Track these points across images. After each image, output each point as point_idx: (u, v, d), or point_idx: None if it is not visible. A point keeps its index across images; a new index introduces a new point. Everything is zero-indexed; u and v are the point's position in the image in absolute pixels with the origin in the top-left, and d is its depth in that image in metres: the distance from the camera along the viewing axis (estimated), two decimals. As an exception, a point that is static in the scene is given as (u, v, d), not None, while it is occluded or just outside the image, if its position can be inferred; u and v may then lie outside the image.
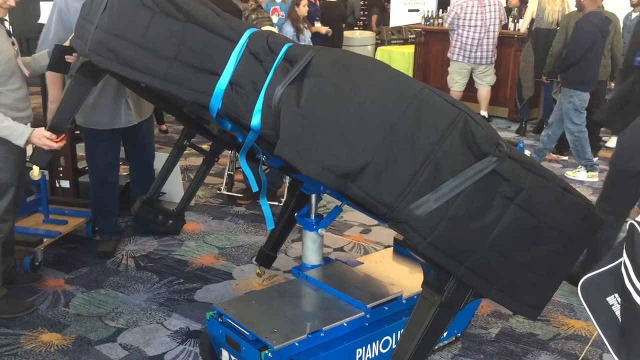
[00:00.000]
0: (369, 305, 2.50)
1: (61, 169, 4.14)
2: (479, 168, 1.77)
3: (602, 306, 1.55)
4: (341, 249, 4.03)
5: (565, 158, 6.36)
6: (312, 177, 1.84)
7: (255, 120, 1.90)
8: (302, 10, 6.31)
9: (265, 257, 3.07)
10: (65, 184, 4.18)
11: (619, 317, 1.51)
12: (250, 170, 2.16)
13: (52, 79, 3.42)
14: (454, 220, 1.78)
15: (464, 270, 1.85)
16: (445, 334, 2.77)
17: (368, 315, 2.50)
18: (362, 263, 2.95)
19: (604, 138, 6.89)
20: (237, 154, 4.91)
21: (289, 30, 6.22)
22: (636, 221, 1.49)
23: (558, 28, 6.57)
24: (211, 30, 1.98)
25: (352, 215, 4.39)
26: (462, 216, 1.78)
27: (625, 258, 1.46)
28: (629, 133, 1.60)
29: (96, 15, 2.09)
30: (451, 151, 1.77)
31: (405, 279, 2.77)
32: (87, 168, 3.92)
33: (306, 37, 6.29)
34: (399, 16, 9.52)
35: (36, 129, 2.69)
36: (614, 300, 1.51)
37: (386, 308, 2.56)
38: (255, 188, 2.23)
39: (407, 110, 1.77)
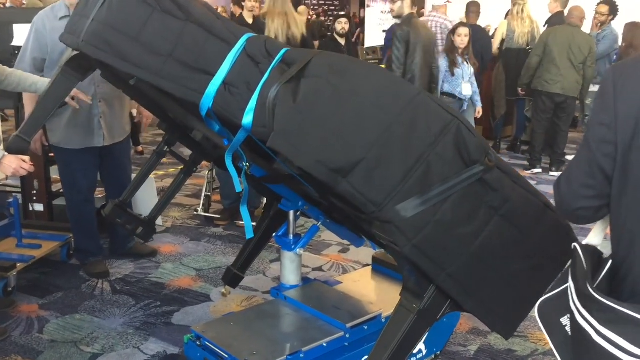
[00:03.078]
0: (348, 325, 2.50)
1: (35, 192, 4.08)
2: (468, 174, 1.81)
3: (557, 326, 1.59)
4: (320, 269, 4.02)
5: (539, 170, 6.48)
6: (305, 170, 1.85)
7: (248, 118, 1.91)
8: (457, 40, 5.70)
9: (233, 277, 3.03)
10: (39, 207, 4.12)
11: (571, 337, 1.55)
12: (235, 171, 2.15)
13: (29, 98, 3.40)
14: (440, 224, 1.79)
15: (445, 277, 1.86)
16: (425, 352, 2.78)
17: (348, 335, 2.50)
18: (341, 282, 2.95)
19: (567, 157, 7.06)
20: (214, 174, 4.94)
21: (442, 64, 5.71)
22: (579, 244, 1.53)
23: (528, 47, 6.76)
24: (209, 31, 2.00)
25: (330, 235, 4.38)
26: (449, 221, 1.80)
27: (570, 280, 1.50)
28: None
29: (92, 10, 2.09)
30: (443, 155, 1.80)
31: (384, 297, 2.78)
32: (62, 191, 3.88)
33: (465, 73, 5.70)
34: (373, 36, 9.65)
35: (7, 154, 2.64)
36: (567, 321, 1.54)
37: (366, 327, 2.55)
38: (238, 188, 2.22)
39: (403, 112, 1.80)
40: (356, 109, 1.81)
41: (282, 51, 1.96)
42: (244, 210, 2.26)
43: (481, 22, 8.92)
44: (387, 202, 1.78)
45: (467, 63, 5.77)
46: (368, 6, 10.35)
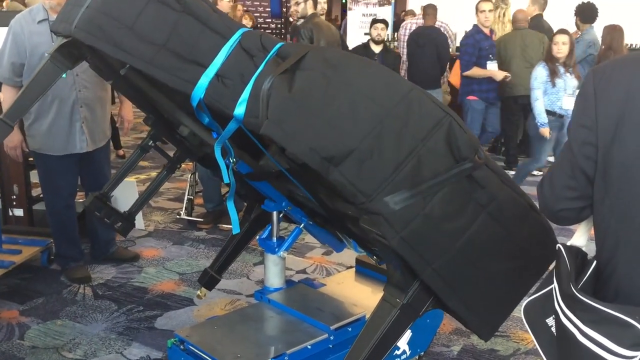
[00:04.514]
0: (332, 327, 2.50)
1: (14, 197, 4.04)
2: (457, 170, 1.83)
3: (543, 327, 1.61)
4: (303, 271, 4.02)
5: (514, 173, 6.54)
6: (297, 156, 1.86)
7: (240, 109, 1.91)
8: (554, 48, 5.20)
9: (209, 279, 3.02)
10: (19, 212, 4.08)
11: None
12: (223, 162, 2.15)
13: (11, 98, 3.36)
14: (428, 218, 1.81)
15: (430, 271, 1.88)
16: (408, 353, 2.79)
17: (332, 337, 2.50)
18: (325, 285, 2.95)
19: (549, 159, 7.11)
20: (197, 178, 4.92)
21: (539, 75, 5.30)
22: (563, 245, 1.55)
23: None
24: (205, 24, 2.01)
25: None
26: (437, 215, 1.82)
27: (554, 280, 1.52)
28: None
29: None
30: (434, 150, 1.82)
31: (368, 299, 2.78)
32: (42, 196, 3.84)
33: (567, 85, 5.18)
34: (355, 39, 9.67)
35: None
36: (552, 322, 1.56)
37: (350, 329, 2.56)
38: (226, 180, 2.22)
39: (396, 106, 1.82)
40: (350, 101, 1.82)
41: (277, 45, 1.97)
42: (230, 205, 2.26)
43: (462, 24, 9.01)
44: (377, 194, 1.79)
45: (571, 74, 5.25)
46: (350, 9, 10.38)
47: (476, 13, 6.14)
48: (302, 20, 5.72)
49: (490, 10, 5.93)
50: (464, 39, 6.20)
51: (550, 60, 5.30)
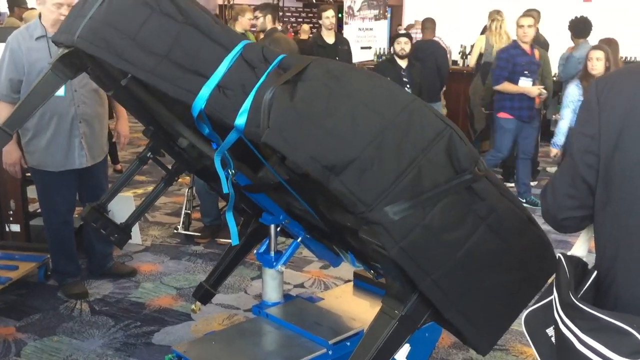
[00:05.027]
0: (330, 342, 2.49)
1: (11, 212, 4.03)
2: (457, 182, 1.84)
3: (543, 338, 1.61)
4: (301, 285, 4.01)
5: (512, 185, 6.56)
6: (298, 165, 1.87)
7: (241, 119, 1.92)
8: (589, 65, 4.96)
9: (204, 293, 3.00)
10: (16, 227, 4.07)
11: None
12: (223, 172, 2.15)
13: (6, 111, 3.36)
14: (428, 228, 1.81)
15: (429, 282, 1.87)
16: (408, 368, 2.77)
17: (330, 352, 2.48)
18: (323, 299, 2.94)
19: (547, 169, 7.14)
20: (194, 192, 4.91)
21: (570, 93, 5.13)
22: (563, 254, 1.55)
23: None
24: (207, 35, 2.02)
25: (312, 251, 4.39)
26: (436, 226, 1.82)
27: (554, 290, 1.52)
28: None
29: (90, 10, 2.10)
30: (434, 161, 1.82)
31: (366, 313, 2.77)
32: (39, 211, 3.83)
33: None
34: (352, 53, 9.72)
35: None
36: (552, 332, 1.56)
37: (348, 343, 2.54)
38: (226, 189, 2.22)
39: (398, 116, 1.83)
40: (352, 111, 1.83)
41: (279, 57, 1.99)
42: (229, 216, 2.25)
43: (460, 39, 9.08)
44: (377, 203, 1.79)
45: None
46: (346, 23, 10.43)
47: (516, 28, 5.91)
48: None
49: (529, 26, 5.60)
50: (499, 52, 6.00)
51: (584, 78, 5.04)
